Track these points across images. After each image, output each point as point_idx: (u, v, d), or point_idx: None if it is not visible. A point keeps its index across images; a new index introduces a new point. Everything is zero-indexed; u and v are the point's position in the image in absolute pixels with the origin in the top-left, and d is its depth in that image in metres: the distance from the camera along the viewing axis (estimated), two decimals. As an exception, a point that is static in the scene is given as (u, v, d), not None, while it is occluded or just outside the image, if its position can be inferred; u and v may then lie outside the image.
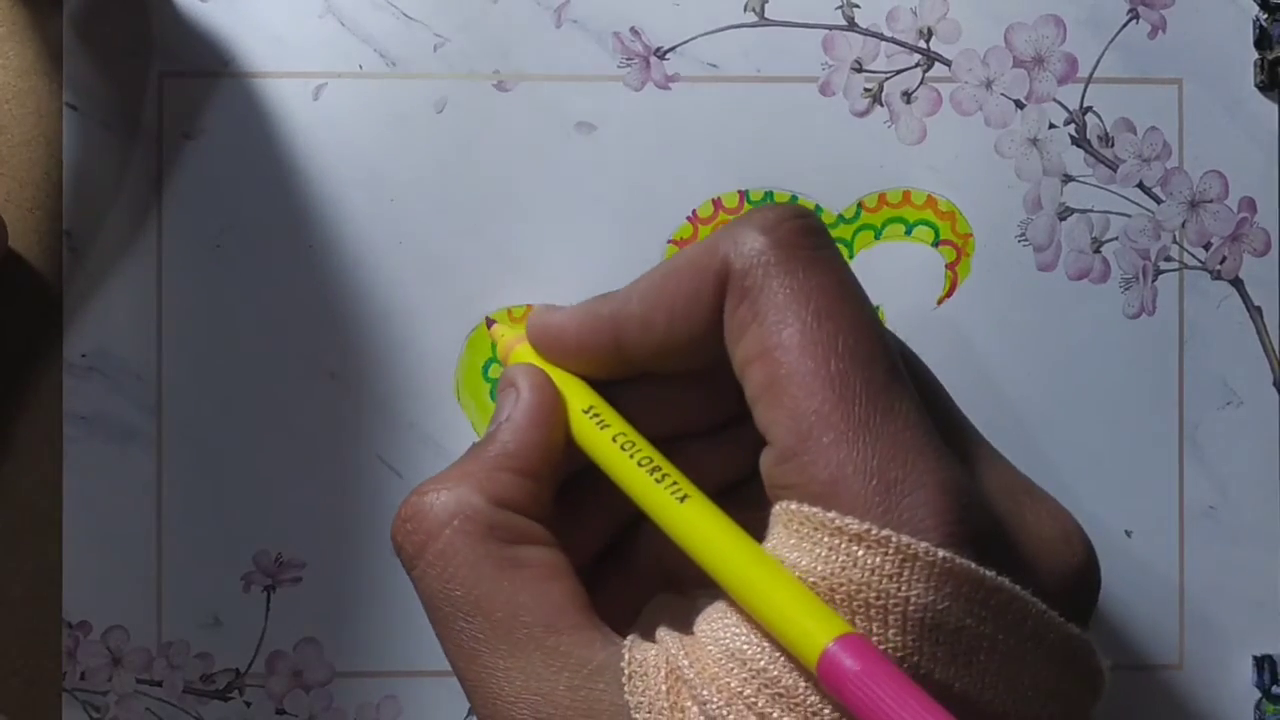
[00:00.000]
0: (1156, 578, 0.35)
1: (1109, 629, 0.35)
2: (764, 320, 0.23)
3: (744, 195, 0.35)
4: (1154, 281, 0.36)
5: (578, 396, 0.26)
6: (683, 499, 0.24)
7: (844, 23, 0.35)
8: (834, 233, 0.35)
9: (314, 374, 0.35)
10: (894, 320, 0.35)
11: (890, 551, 0.21)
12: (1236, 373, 0.36)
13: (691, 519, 0.23)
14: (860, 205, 0.35)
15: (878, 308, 0.35)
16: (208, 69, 0.35)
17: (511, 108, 0.35)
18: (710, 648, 0.22)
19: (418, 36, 0.35)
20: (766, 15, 0.35)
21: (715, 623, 0.23)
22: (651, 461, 0.25)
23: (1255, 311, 0.36)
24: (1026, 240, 0.35)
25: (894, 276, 0.35)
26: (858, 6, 0.35)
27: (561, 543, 0.26)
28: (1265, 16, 0.35)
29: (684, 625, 0.24)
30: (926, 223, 0.35)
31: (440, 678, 0.35)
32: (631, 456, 0.25)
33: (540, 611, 0.23)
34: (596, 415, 0.26)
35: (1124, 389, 0.36)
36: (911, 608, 0.20)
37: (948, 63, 0.35)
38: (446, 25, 0.35)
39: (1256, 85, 0.36)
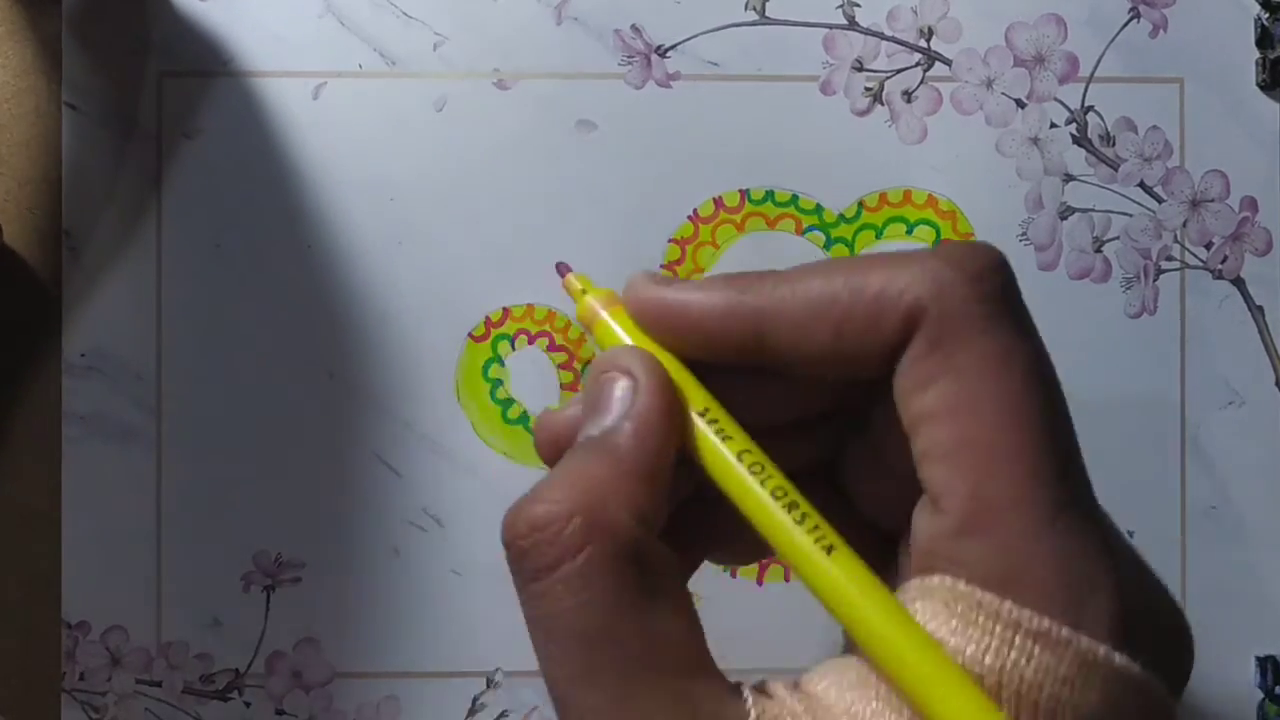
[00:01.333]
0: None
1: (1111, 629, 0.35)
2: (960, 377, 0.21)
3: (745, 194, 0.35)
4: (1155, 281, 0.36)
5: (692, 395, 0.23)
6: (829, 550, 0.21)
7: (845, 22, 0.35)
8: (835, 232, 0.35)
9: (314, 374, 0.35)
10: (895, 320, 0.35)
11: (1070, 654, 0.20)
12: (1238, 373, 0.36)
13: (841, 579, 0.21)
14: (861, 204, 0.35)
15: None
16: (207, 69, 0.35)
17: (512, 106, 0.35)
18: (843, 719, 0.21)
19: (417, 35, 0.35)
20: (767, 14, 0.35)
21: (848, 693, 0.21)
22: (786, 494, 0.22)
23: (1257, 311, 0.36)
24: (1028, 239, 0.35)
25: (895, 276, 0.35)
26: (858, 6, 0.35)
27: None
28: (1267, 16, 0.35)
29: None
30: (927, 222, 0.35)
31: (440, 678, 0.35)
32: (763, 484, 0.22)
33: (678, 650, 0.21)
34: (715, 422, 0.23)
35: (1125, 389, 0.35)
36: (1086, 714, 0.20)
37: (948, 62, 0.35)
38: (446, 24, 0.35)
39: (1258, 84, 0.36)
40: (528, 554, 0.21)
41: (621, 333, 0.24)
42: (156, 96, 0.35)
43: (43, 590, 0.34)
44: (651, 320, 0.24)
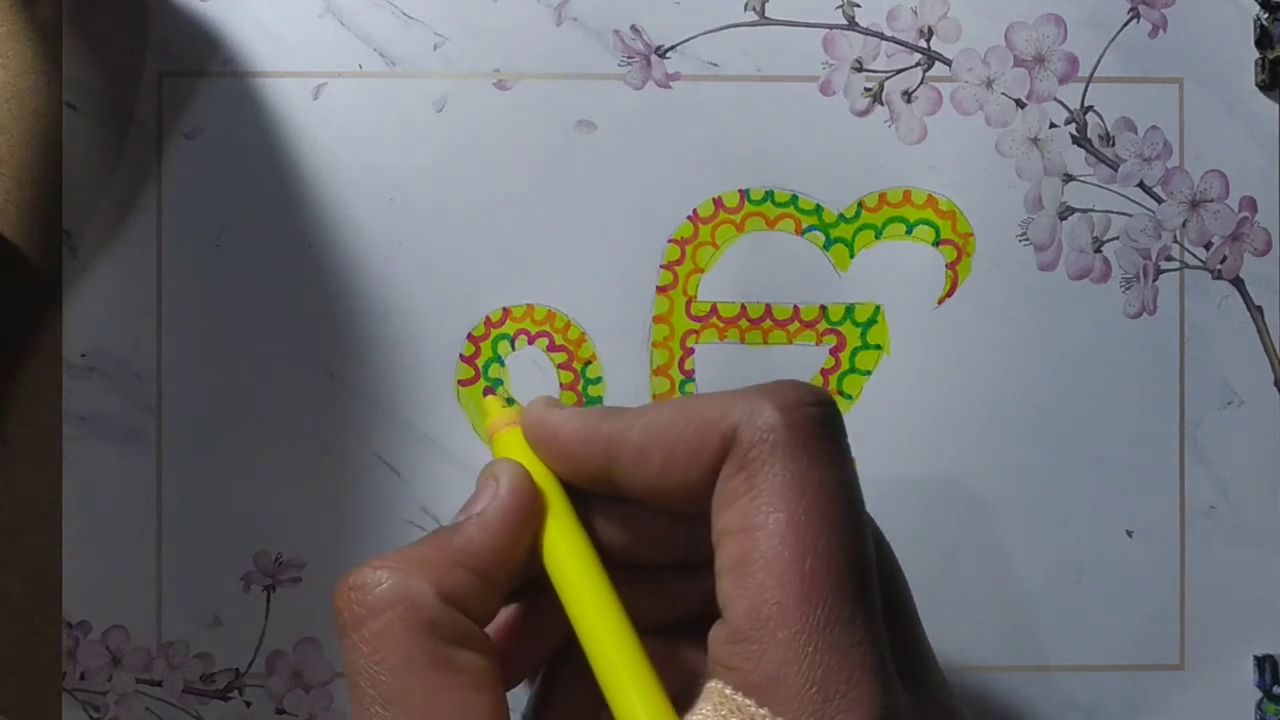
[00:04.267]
0: (1157, 578, 0.35)
1: (1110, 629, 0.35)
2: (755, 497, 0.23)
3: (744, 194, 0.35)
4: (1155, 281, 0.36)
5: (557, 509, 0.26)
6: (622, 638, 0.24)
7: (844, 22, 0.35)
8: (834, 232, 0.35)
9: (314, 374, 0.35)
10: (894, 320, 0.35)
11: None
12: (1237, 372, 0.36)
13: (619, 666, 0.23)
14: (861, 205, 0.35)
15: (878, 308, 0.35)
16: (208, 68, 0.35)
17: (511, 107, 0.35)
18: None
19: (417, 35, 0.35)
20: (767, 14, 0.35)
21: None
22: (608, 605, 0.25)
23: (1256, 311, 0.36)
24: (1027, 240, 0.35)
25: (895, 276, 0.35)
26: (858, 6, 0.35)
27: (518, 647, 0.26)
28: (1266, 16, 0.35)
29: None
30: (927, 222, 0.35)
31: (440, 678, 0.35)
32: (589, 593, 0.25)
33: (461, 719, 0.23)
34: (569, 538, 0.26)
35: (1125, 389, 0.36)
36: None
37: (948, 62, 0.35)
38: (446, 24, 0.35)
39: (1257, 84, 0.36)
40: (341, 611, 0.24)
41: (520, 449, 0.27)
42: (156, 96, 0.35)
43: (43, 590, 0.34)
44: (533, 440, 0.27)
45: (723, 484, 0.23)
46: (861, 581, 0.22)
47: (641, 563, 0.27)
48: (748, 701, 0.22)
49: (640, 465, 0.25)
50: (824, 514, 0.22)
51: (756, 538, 0.22)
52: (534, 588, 0.27)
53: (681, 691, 0.24)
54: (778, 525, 0.22)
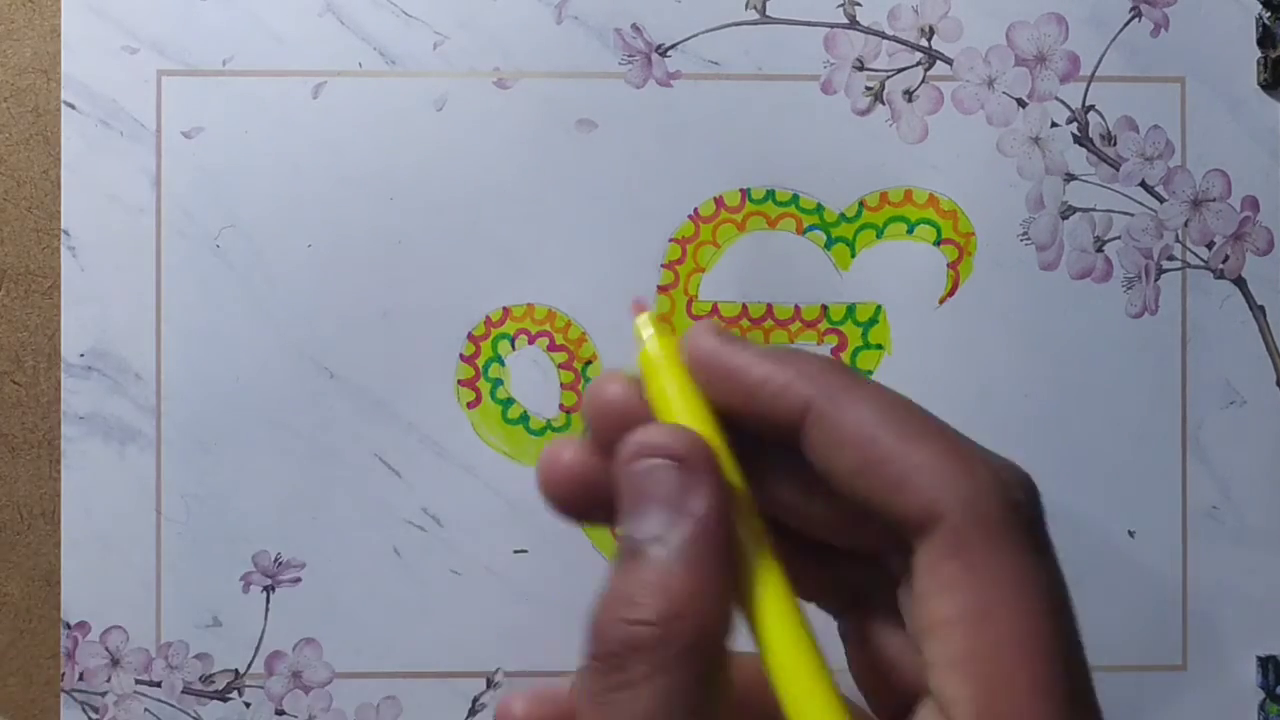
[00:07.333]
0: (1160, 578, 0.35)
1: (1112, 630, 0.35)
2: (981, 589, 0.21)
3: (745, 194, 0.35)
4: (1156, 281, 0.35)
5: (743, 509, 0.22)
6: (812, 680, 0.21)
7: (845, 21, 0.35)
8: (836, 231, 0.35)
9: (314, 374, 0.35)
10: (896, 320, 0.35)
11: None
12: (1239, 372, 0.36)
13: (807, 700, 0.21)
14: (862, 204, 0.35)
15: (879, 307, 0.35)
16: (207, 67, 0.35)
17: (512, 105, 0.35)
18: None
19: (417, 34, 0.35)
20: (768, 13, 0.35)
21: None
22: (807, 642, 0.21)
23: (1258, 311, 0.36)
24: (1029, 239, 0.35)
25: (896, 276, 0.35)
26: (859, 5, 0.35)
27: None
28: (1268, 15, 0.35)
29: None
30: (928, 221, 0.35)
31: (440, 678, 0.35)
32: (789, 629, 0.21)
33: None
34: (759, 555, 0.21)
35: (1126, 388, 0.35)
36: None
37: (949, 61, 0.35)
38: (446, 23, 0.35)
39: (1259, 84, 0.36)
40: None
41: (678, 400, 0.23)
42: (156, 95, 0.35)
43: (43, 590, 0.34)
44: (705, 378, 0.23)
45: (936, 565, 0.22)
46: (1088, 686, 0.22)
47: (797, 529, 0.24)
48: None
49: (833, 458, 0.22)
50: (1054, 614, 0.22)
51: (984, 636, 0.21)
52: None
53: None
54: (1009, 624, 0.21)
